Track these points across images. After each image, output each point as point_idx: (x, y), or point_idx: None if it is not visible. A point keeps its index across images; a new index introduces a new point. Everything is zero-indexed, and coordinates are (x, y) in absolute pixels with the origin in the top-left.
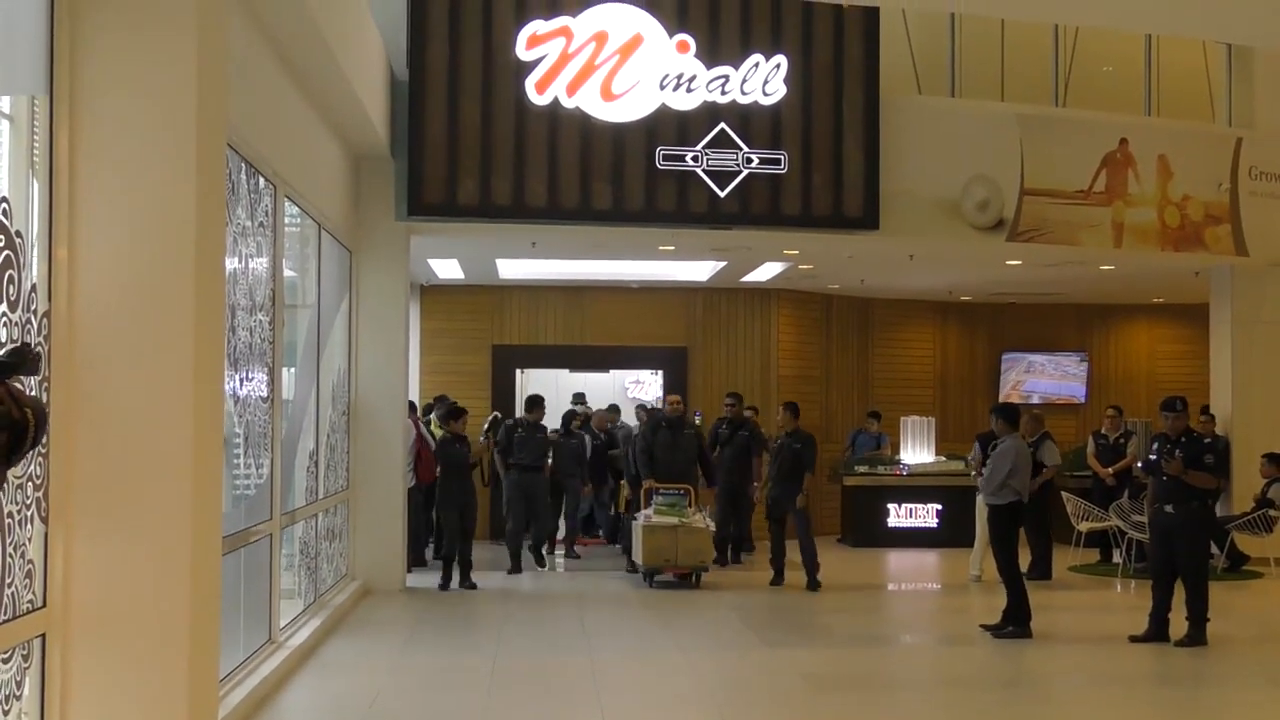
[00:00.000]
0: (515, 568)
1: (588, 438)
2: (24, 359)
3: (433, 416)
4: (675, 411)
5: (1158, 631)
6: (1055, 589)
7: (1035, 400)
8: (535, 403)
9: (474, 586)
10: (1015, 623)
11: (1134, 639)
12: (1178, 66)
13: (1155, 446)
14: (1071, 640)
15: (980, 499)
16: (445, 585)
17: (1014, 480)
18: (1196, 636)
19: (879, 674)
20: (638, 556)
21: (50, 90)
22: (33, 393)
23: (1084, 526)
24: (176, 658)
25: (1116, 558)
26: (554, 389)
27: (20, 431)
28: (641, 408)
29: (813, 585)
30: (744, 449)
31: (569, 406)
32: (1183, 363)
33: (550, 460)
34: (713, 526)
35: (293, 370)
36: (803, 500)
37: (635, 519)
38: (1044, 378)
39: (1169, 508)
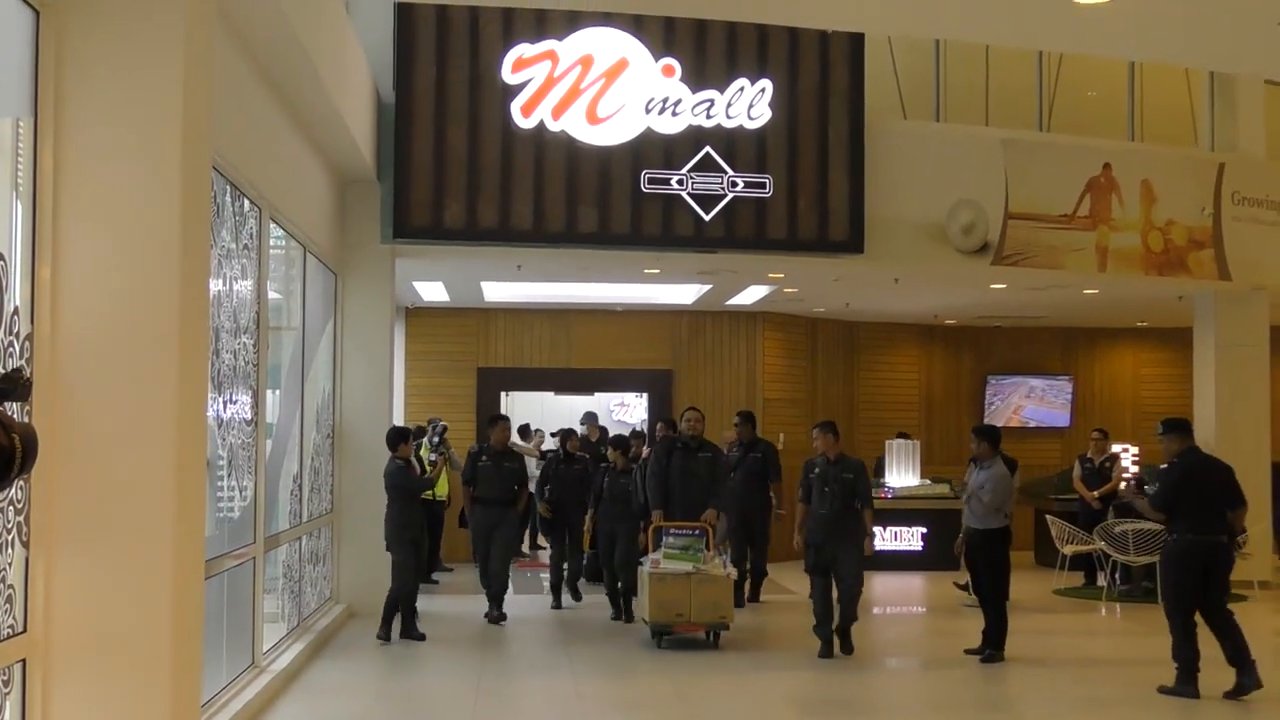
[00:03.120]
0: (492, 612)
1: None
2: (16, 384)
3: (424, 441)
4: (694, 431)
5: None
6: (1041, 613)
7: (1031, 425)
8: (493, 422)
9: (421, 637)
10: (994, 645)
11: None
12: (1161, 92)
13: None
14: (1057, 664)
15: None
16: (384, 635)
17: (1006, 504)
18: (1177, 686)
19: (863, 698)
20: (643, 611)
21: (35, 112)
22: (20, 418)
23: (1069, 549)
24: (158, 683)
25: (1101, 580)
26: (539, 412)
27: (8, 458)
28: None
29: (848, 647)
30: (757, 473)
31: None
32: (1167, 386)
33: (548, 490)
34: (733, 573)
35: (277, 393)
36: (870, 546)
37: (641, 564)
38: (1042, 404)
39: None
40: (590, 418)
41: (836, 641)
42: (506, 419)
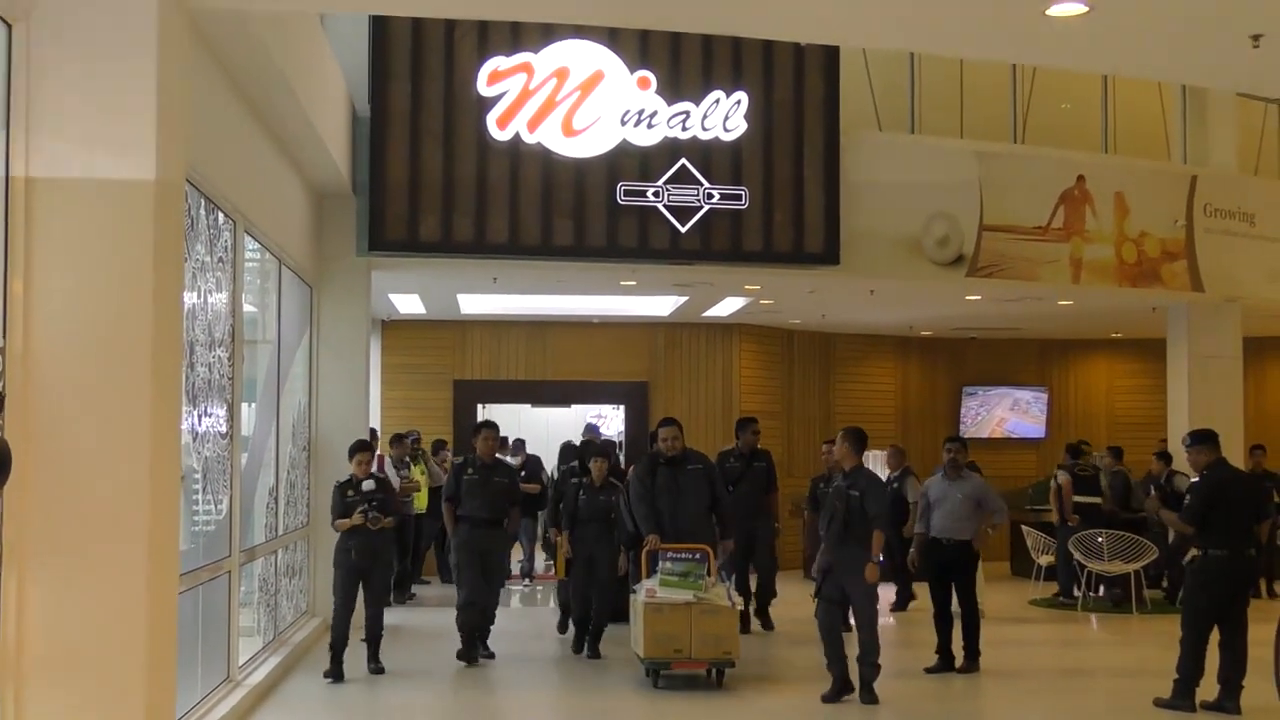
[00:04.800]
0: (466, 653)
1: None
2: None
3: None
4: (673, 451)
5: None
6: (1016, 624)
7: (1015, 438)
8: (477, 430)
9: (380, 670)
10: (971, 656)
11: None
12: (1134, 105)
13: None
14: (1037, 675)
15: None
16: (334, 674)
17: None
18: (1174, 700)
19: (835, 711)
20: (638, 646)
21: (6, 125)
22: None
23: (1044, 560)
24: (132, 696)
25: (1076, 591)
26: (516, 424)
27: None
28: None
29: (869, 697)
30: (760, 485)
31: (580, 439)
32: (1141, 397)
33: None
34: (739, 603)
35: (253, 406)
36: (873, 573)
37: (634, 592)
38: (1022, 416)
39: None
40: (592, 431)
41: (856, 685)
42: (494, 425)
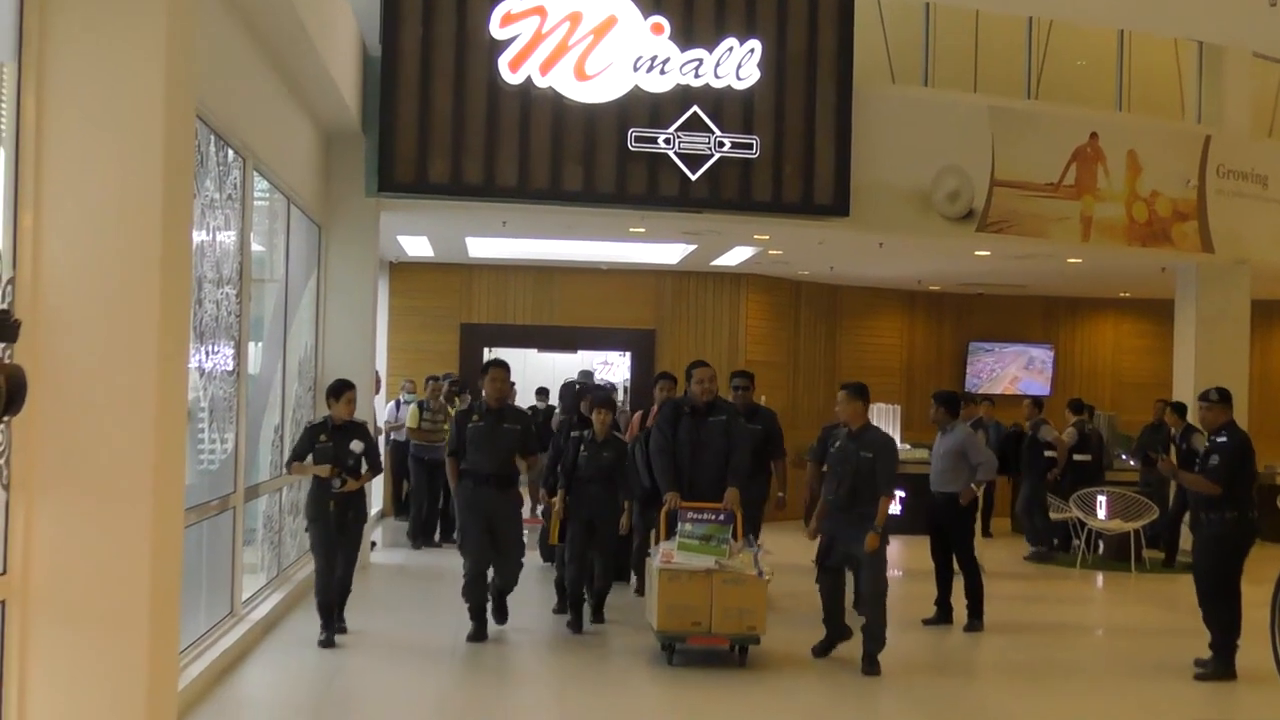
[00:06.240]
0: (476, 632)
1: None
2: (4, 326)
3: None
4: (708, 395)
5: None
6: (1015, 578)
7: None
8: (488, 369)
9: (342, 630)
10: (975, 614)
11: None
12: (1149, 63)
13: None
14: (1034, 630)
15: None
16: (326, 639)
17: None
18: (1219, 669)
19: (835, 658)
20: (651, 616)
21: (19, 57)
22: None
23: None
24: (137, 627)
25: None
26: (522, 369)
27: None
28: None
29: (870, 668)
30: (758, 445)
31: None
32: (1148, 358)
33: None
34: (767, 574)
35: (259, 344)
36: (874, 542)
37: (650, 555)
38: (1033, 374)
39: (1202, 515)
40: (586, 376)
41: (851, 651)
42: (504, 365)
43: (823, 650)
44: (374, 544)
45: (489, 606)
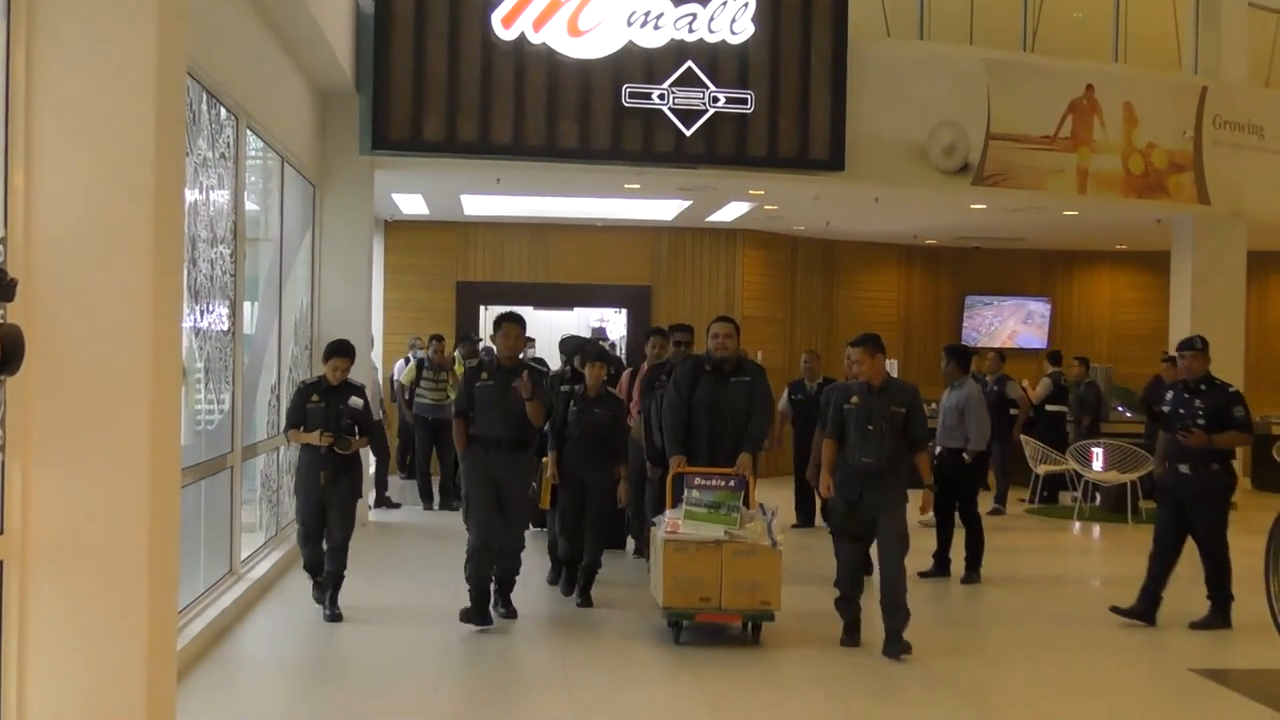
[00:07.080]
0: (475, 614)
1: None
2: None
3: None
4: (725, 351)
5: (1146, 610)
6: (1012, 530)
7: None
8: (500, 324)
9: (338, 618)
10: (973, 567)
11: (1116, 610)
12: (1145, 15)
13: (1171, 396)
14: (1028, 581)
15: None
16: (332, 616)
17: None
18: (1216, 619)
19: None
20: (657, 591)
21: (7, 12)
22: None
23: (1042, 469)
24: (135, 587)
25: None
26: None
27: None
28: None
29: (899, 647)
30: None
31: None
32: (1144, 310)
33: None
34: (780, 544)
35: (255, 304)
36: (929, 501)
37: (654, 524)
38: (1031, 328)
39: (1184, 468)
40: (599, 334)
41: (873, 633)
42: (519, 319)
43: (854, 638)
44: (397, 503)
45: (493, 591)
